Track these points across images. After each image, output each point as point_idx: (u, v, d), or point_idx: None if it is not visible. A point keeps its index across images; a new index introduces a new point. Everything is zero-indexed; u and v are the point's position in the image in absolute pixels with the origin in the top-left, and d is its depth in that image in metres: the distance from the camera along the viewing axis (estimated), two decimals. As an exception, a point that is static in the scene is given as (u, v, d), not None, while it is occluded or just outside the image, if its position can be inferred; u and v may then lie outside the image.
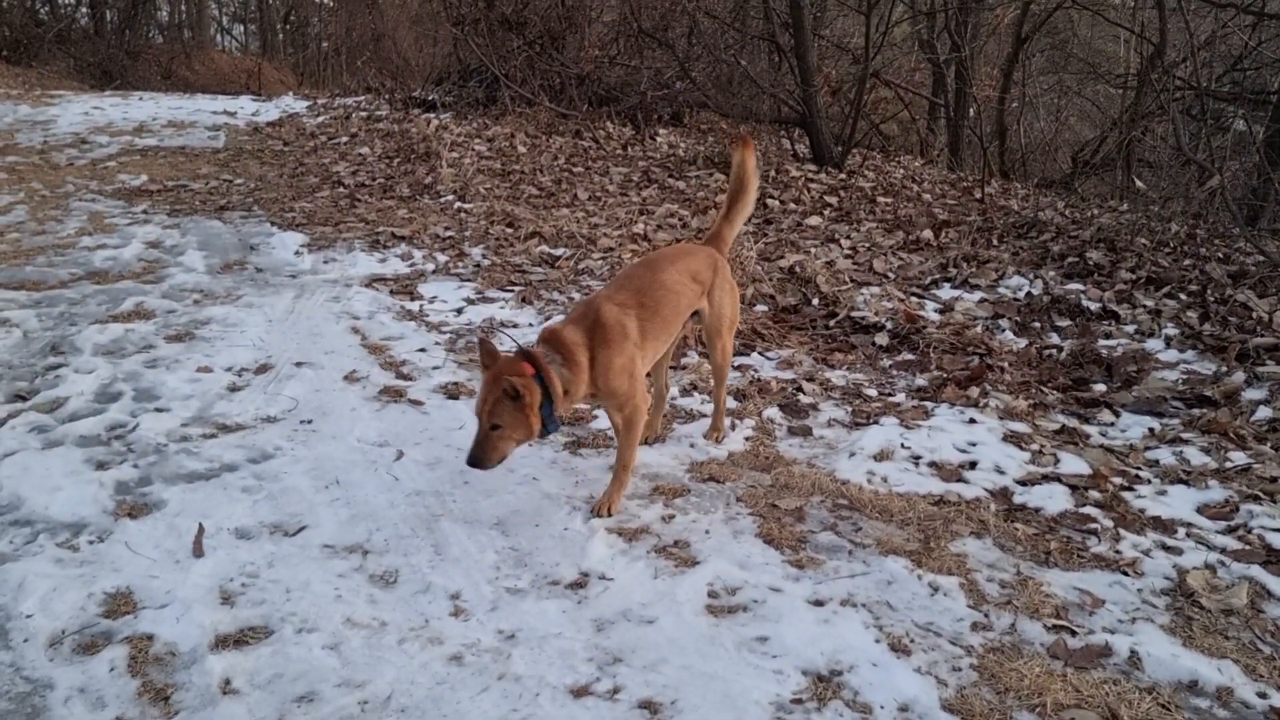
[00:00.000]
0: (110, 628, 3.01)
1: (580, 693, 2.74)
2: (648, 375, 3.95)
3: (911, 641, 2.95)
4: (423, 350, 5.43)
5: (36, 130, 13.26)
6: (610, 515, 3.70)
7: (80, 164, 11.03)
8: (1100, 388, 5.05)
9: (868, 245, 7.80)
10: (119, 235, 7.80)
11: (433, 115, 13.62)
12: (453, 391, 4.88)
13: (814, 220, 8.61)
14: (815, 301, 6.32)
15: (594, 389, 3.65)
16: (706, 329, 4.20)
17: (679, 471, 4.09)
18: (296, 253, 7.54)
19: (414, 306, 6.22)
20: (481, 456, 3.42)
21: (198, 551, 3.41)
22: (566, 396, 3.53)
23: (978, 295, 6.56)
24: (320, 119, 14.61)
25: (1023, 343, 5.73)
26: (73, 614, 3.07)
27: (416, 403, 4.75)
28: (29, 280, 6.52)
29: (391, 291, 6.52)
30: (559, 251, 7.52)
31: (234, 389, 4.86)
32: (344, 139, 12.71)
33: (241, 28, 35.33)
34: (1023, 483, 4.03)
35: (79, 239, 7.63)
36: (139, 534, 3.53)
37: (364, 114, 14.53)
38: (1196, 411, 4.74)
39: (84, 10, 26.80)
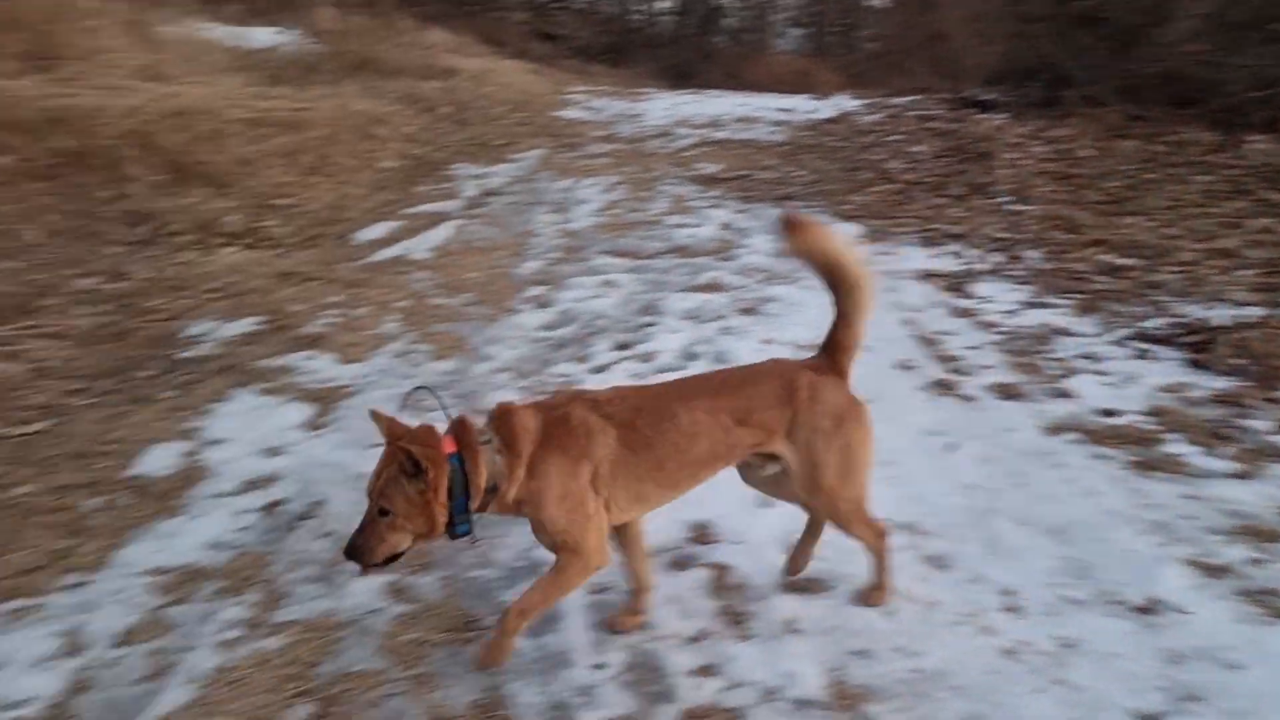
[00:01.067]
0: (696, 552, 3.48)
1: (1147, 721, 2.59)
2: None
3: None
4: (974, 348, 5.39)
5: (630, 123, 15.30)
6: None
7: (664, 152, 12.52)
8: None
9: None
10: (697, 216, 8.74)
11: (988, 115, 13.31)
12: (1006, 391, 4.79)
13: None
14: None
15: (522, 502, 2.74)
16: (795, 483, 3.00)
17: (1269, 513, 3.63)
18: (851, 243, 7.85)
19: (965, 304, 6.18)
20: (359, 547, 2.59)
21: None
22: (494, 494, 2.67)
23: None
24: (872, 117, 14.98)
25: None
26: (668, 535, 3.56)
27: (968, 398, 4.75)
28: (627, 249, 7.59)
29: (943, 287, 6.53)
30: (1125, 261, 6.96)
31: (795, 362, 5.25)
32: (896, 137, 12.91)
33: (798, 31, 37.52)
34: None
35: (665, 217, 8.70)
36: (721, 481, 3.97)
37: (916, 113, 14.63)
38: None
39: (667, 17, 30.39)
